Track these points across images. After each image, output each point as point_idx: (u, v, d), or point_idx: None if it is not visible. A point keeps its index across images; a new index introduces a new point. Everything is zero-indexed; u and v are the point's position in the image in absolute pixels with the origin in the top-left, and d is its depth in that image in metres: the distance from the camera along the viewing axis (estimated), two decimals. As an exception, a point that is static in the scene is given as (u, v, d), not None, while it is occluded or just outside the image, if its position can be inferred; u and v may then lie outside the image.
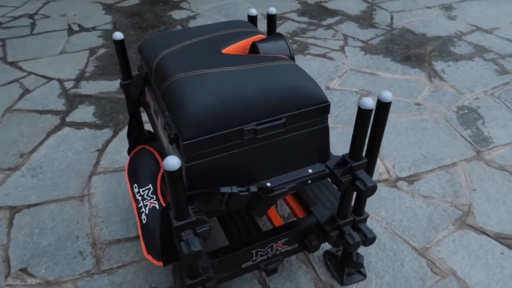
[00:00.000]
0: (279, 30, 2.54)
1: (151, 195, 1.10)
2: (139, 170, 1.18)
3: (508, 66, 2.16)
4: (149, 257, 0.97)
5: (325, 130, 0.87)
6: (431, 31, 2.52)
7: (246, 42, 0.97)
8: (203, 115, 0.76)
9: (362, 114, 0.80)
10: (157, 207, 1.07)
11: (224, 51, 0.93)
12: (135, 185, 1.15)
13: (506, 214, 1.37)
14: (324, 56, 2.28)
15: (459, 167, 1.55)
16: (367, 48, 2.35)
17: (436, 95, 1.95)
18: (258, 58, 0.89)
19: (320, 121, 0.86)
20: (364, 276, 1.18)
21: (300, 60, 2.23)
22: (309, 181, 0.90)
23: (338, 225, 1.00)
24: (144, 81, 0.99)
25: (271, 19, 1.20)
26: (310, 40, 2.44)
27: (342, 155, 0.90)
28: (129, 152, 1.27)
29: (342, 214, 0.99)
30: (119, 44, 1.07)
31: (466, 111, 1.84)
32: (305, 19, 2.70)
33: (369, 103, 0.79)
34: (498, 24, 2.57)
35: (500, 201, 1.41)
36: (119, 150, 1.64)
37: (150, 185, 1.13)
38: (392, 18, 2.69)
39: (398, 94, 1.96)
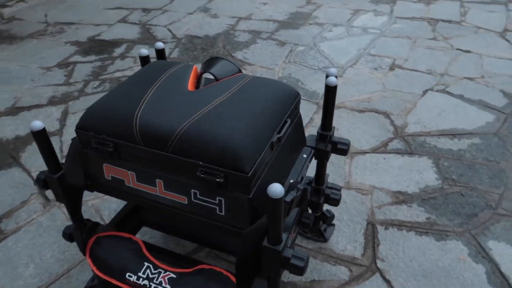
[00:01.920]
0: (75, 77, 2.36)
1: (156, 271, 0.99)
2: (119, 259, 1.02)
3: (281, 38, 2.71)
4: (214, 318, 0.91)
5: (300, 117, 1.02)
6: (209, 31, 2.84)
7: (192, 76, 0.98)
8: (249, 144, 0.78)
9: (330, 90, 0.99)
10: (175, 276, 0.98)
11: (189, 89, 0.92)
12: (127, 274, 0.99)
13: (366, 134, 1.83)
14: (144, 82, 2.28)
15: (316, 120, 1.94)
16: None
17: (257, 77, 2.29)
18: (227, 83, 0.94)
19: (297, 111, 0.99)
20: (334, 225, 1.41)
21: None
22: (308, 164, 1.03)
23: (322, 191, 1.17)
24: (110, 156, 0.87)
25: (161, 53, 1.20)
26: (117, 74, 2.37)
27: (317, 132, 1.07)
28: (84, 251, 1.06)
29: (321, 180, 1.16)
30: (41, 134, 0.88)
31: (286, 80, 2.26)
32: (93, 57, 2.57)
33: (334, 80, 0.97)
34: (250, 11, 3.13)
35: (355, 126, 1.88)
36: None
37: (146, 263, 1.01)
38: (170, 30, 2.87)
39: (232, 88, 2.20)
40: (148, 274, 0.99)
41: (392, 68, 2.31)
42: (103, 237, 1.07)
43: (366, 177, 1.60)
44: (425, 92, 2.10)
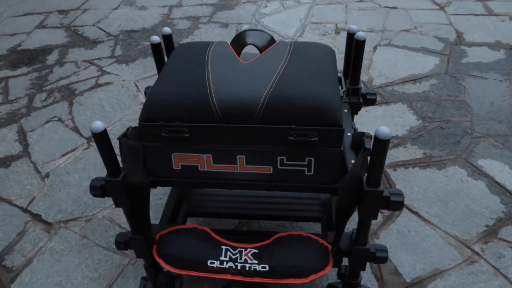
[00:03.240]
0: (13, 94, 2.11)
1: (236, 251, 0.99)
2: (194, 250, 0.99)
3: (222, 20, 2.70)
4: (313, 277, 0.94)
5: None
6: (144, 23, 2.71)
7: (234, 51, 0.97)
8: (334, 99, 0.82)
9: (360, 45, 1.05)
10: (257, 251, 0.99)
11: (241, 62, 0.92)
12: (209, 262, 0.97)
13: (339, 94, 1.95)
14: (108, 84, 2.12)
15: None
16: (124, 59, 2.33)
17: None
18: (276, 51, 0.95)
19: None
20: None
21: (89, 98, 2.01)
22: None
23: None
24: (185, 142, 0.83)
25: (169, 39, 1.15)
26: (63, 82, 2.16)
27: (347, 88, 1.13)
28: (147, 254, 1.00)
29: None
30: (102, 136, 0.81)
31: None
32: (25, 69, 2.30)
33: (363, 35, 1.04)
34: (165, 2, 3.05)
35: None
36: None
37: (223, 247, 1.00)
38: (101, 29, 2.68)
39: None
40: (230, 256, 0.98)
41: (337, 31, 2.45)
42: (166, 235, 1.02)
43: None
44: (375, 48, 2.28)
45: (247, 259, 0.97)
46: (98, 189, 0.89)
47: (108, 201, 1.48)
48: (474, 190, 1.44)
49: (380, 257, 0.95)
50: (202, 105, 0.82)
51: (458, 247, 1.26)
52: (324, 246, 0.98)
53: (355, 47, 1.06)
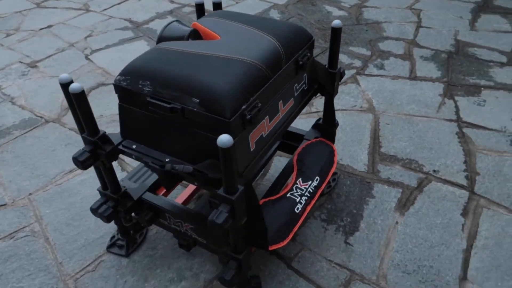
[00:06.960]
0: None
1: (294, 188, 1.13)
2: (279, 214, 1.06)
3: None
4: (335, 158, 1.22)
5: None
6: None
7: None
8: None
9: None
10: (301, 178, 1.15)
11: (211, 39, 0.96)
12: (295, 209, 1.08)
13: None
14: None
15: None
16: None
17: None
18: (216, 23, 1.03)
19: None
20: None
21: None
22: None
23: None
24: (258, 114, 0.86)
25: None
26: None
27: None
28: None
29: None
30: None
31: None
32: None
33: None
34: None
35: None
36: None
37: (288, 194, 1.12)
38: None
39: None
40: (297, 195, 1.11)
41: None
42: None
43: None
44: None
45: (305, 186, 1.13)
46: (227, 219, 0.79)
47: None
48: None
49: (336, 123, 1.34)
50: (254, 71, 0.87)
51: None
52: (319, 141, 1.27)
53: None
